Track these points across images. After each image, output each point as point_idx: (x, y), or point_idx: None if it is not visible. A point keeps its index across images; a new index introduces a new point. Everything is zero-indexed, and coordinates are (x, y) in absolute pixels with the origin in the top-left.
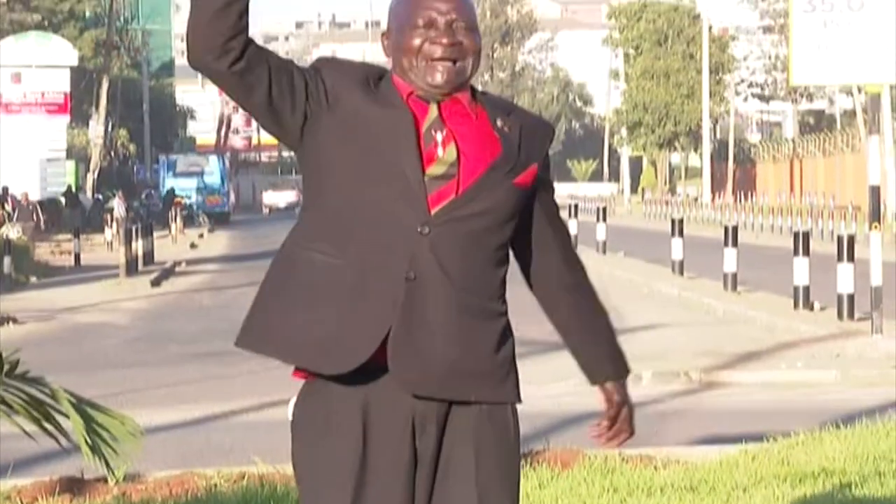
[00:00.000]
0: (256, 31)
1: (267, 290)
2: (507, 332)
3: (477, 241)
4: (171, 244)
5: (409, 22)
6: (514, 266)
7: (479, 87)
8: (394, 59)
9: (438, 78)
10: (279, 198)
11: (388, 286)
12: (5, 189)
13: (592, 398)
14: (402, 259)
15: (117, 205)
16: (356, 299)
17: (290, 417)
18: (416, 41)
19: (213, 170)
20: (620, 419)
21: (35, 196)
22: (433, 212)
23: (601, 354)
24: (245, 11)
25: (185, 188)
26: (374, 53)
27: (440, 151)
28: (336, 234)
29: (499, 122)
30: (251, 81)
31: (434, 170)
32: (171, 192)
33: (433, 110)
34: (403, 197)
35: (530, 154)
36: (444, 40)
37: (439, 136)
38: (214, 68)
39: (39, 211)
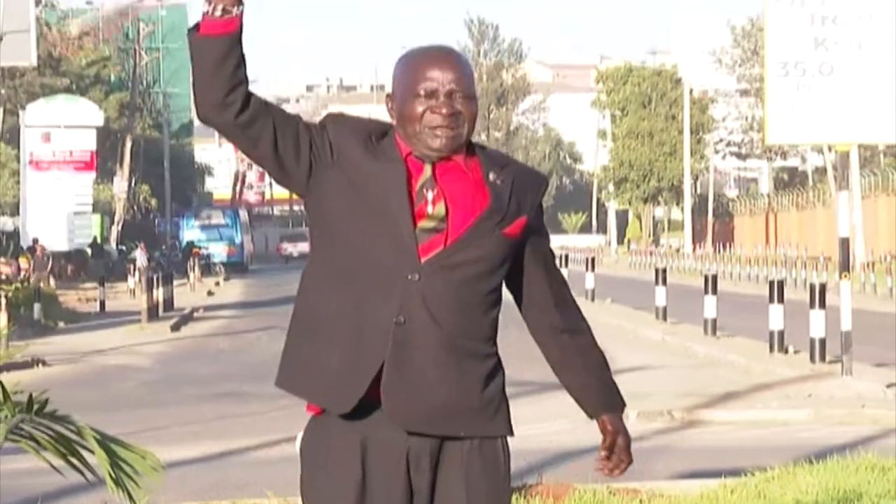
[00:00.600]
0: (269, 94)
1: (290, 332)
2: (496, 370)
3: (466, 288)
4: (189, 292)
5: (412, 91)
6: (514, 310)
7: None
8: (397, 123)
9: (437, 143)
10: (293, 248)
11: (380, 329)
12: (35, 240)
13: (583, 435)
14: (393, 304)
15: (139, 255)
16: (355, 341)
17: (298, 449)
18: (418, 109)
19: (229, 223)
20: (618, 449)
21: (62, 247)
22: (423, 260)
23: (596, 390)
24: (240, 65)
25: (204, 240)
26: (379, 114)
27: (430, 209)
28: (339, 278)
29: (491, 176)
30: (256, 133)
31: (424, 224)
32: (191, 243)
33: (427, 171)
34: (396, 246)
35: (521, 205)
36: (444, 110)
37: (430, 195)
38: (219, 121)
39: (51, 261)
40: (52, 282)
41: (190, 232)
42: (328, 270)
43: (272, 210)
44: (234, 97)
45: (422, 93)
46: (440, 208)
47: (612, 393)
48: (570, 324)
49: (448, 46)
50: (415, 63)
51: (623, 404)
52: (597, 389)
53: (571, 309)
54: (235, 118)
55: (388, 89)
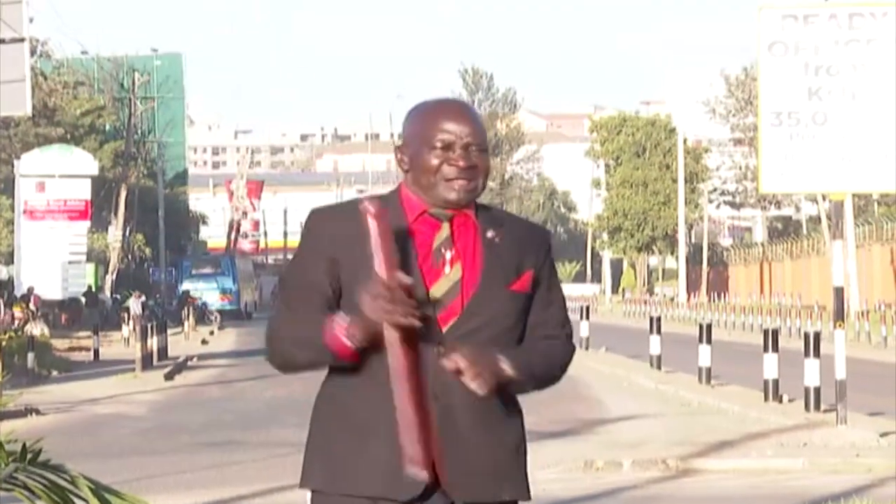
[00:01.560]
0: (264, 143)
1: (315, 429)
2: (522, 427)
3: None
4: (183, 340)
5: (428, 143)
6: None
7: None
8: (411, 174)
9: (454, 196)
10: None
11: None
12: (30, 289)
13: (575, 484)
14: (427, 381)
15: (133, 304)
16: (395, 427)
17: None
18: (435, 162)
19: (224, 271)
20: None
21: (57, 296)
22: (444, 330)
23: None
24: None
25: (200, 288)
26: (373, 163)
27: (447, 269)
28: (368, 367)
29: (489, 234)
30: None
31: (438, 288)
32: (186, 292)
33: (445, 229)
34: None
35: (524, 260)
36: (462, 163)
37: (448, 255)
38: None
39: (39, 310)
40: (45, 330)
41: (187, 281)
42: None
43: (266, 259)
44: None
45: (438, 145)
46: (457, 269)
47: (517, 355)
48: (552, 336)
49: (461, 100)
50: (430, 115)
51: (517, 373)
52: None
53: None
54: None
55: (387, 137)
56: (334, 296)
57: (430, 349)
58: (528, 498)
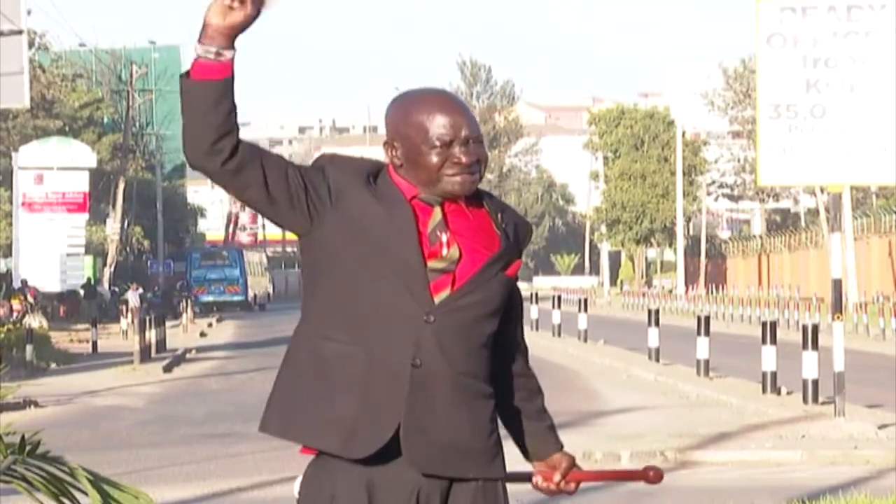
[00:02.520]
0: (262, 136)
1: (285, 378)
2: (495, 411)
3: (474, 329)
4: (182, 333)
5: (427, 142)
6: None
7: None
8: (406, 170)
9: (459, 189)
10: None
11: (396, 372)
12: (24, 282)
13: None
14: (408, 346)
15: (132, 296)
16: (369, 387)
17: (296, 494)
18: (436, 160)
19: (232, 262)
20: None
21: (55, 288)
22: (436, 301)
23: (547, 430)
24: (231, 112)
25: (209, 278)
26: (371, 156)
27: (445, 251)
28: (346, 322)
29: (500, 218)
30: (245, 180)
31: (435, 264)
32: (182, 284)
33: (437, 213)
34: (408, 288)
35: (518, 249)
36: (465, 159)
37: (444, 237)
38: (207, 167)
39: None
40: (44, 322)
41: (197, 272)
42: (331, 315)
43: (265, 251)
44: (222, 144)
45: (437, 144)
46: (455, 251)
47: (556, 435)
48: (525, 368)
49: (444, 90)
50: (421, 111)
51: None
52: (548, 430)
53: (525, 353)
54: (223, 165)
55: (382, 131)
56: (296, 190)
57: (419, 317)
58: (503, 477)
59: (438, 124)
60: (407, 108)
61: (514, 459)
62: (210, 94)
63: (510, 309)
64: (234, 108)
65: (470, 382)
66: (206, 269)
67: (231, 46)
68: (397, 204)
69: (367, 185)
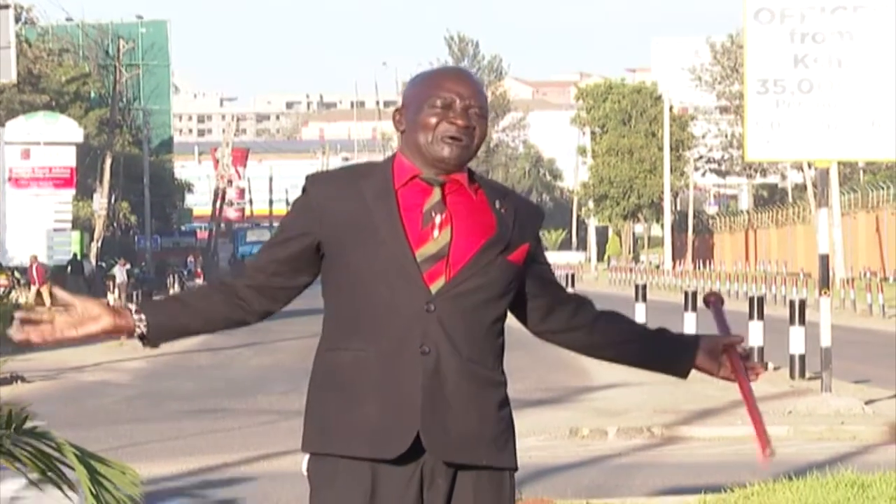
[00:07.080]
0: (249, 111)
1: (312, 397)
2: (506, 400)
3: (476, 315)
4: None
5: (429, 101)
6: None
7: None
8: (406, 135)
9: (447, 153)
10: None
11: (409, 364)
12: (34, 257)
13: (561, 451)
14: (416, 337)
15: (119, 271)
16: (385, 384)
17: (305, 472)
18: (433, 119)
19: None
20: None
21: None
22: (432, 290)
23: (674, 340)
24: (214, 322)
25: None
26: (359, 131)
27: (436, 233)
28: (353, 328)
29: (497, 204)
30: (281, 303)
31: (426, 249)
32: (165, 262)
33: (436, 193)
34: (404, 280)
35: (523, 234)
36: (460, 122)
37: (438, 219)
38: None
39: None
40: (31, 298)
41: (243, 246)
42: (340, 327)
43: (253, 226)
44: (239, 322)
45: (438, 103)
46: (446, 233)
47: (677, 335)
48: (596, 312)
49: (463, 68)
50: (433, 78)
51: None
52: (674, 340)
53: (583, 301)
54: (260, 320)
55: (369, 106)
56: (309, 262)
57: (420, 308)
58: (514, 467)
59: (443, 87)
60: (422, 76)
61: (522, 452)
62: (182, 336)
63: (540, 286)
64: (213, 320)
65: (477, 369)
66: (251, 244)
67: (135, 327)
68: (381, 197)
69: (349, 185)
